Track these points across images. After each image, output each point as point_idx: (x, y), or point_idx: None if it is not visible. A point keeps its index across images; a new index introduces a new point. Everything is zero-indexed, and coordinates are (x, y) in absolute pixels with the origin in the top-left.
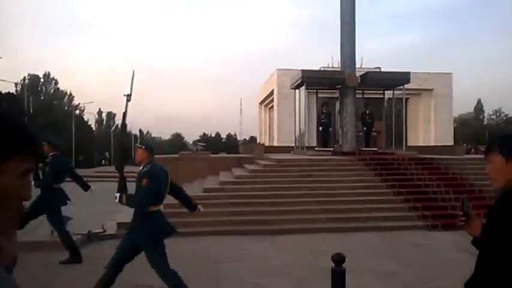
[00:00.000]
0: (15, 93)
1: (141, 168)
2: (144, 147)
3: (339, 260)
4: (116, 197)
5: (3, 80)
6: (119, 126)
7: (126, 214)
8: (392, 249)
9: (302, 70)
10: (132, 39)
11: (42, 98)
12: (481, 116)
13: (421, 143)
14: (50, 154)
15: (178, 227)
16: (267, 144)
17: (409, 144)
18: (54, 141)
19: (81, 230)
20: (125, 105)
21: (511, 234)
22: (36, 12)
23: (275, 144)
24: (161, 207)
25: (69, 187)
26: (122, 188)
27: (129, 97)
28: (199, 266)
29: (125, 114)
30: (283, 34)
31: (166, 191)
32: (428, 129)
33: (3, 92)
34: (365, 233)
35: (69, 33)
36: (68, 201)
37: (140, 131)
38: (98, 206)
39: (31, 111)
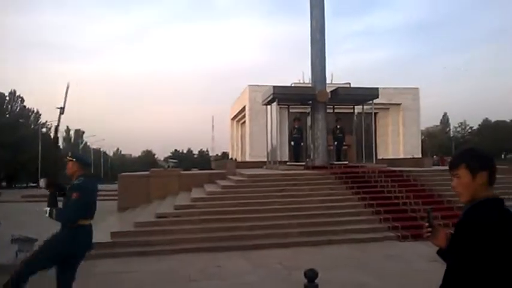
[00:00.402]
0: None
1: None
2: (74, 159)
3: (311, 276)
4: (45, 212)
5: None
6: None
7: (96, 234)
8: (364, 261)
9: (274, 86)
10: (101, 56)
11: (7, 116)
12: (447, 129)
13: (390, 156)
14: None
15: (150, 245)
16: (239, 159)
17: (379, 157)
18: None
19: None
20: (57, 118)
21: (475, 249)
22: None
23: (247, 159)
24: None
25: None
26: (52, 203)
27: (62, 110)
28: (172, 285)
29: (56, 127)
30: (255, 51)
31: (95, 204)
32: (397, 142)
33: None
34: (337, 246)
35: (36, 51)
36: None
37: (73, 143)
38: None
39: None
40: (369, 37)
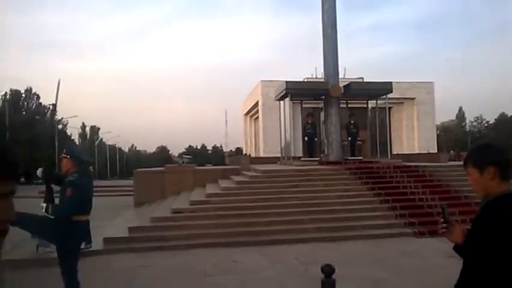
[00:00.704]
0: None
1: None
2: (68, 156)
3: (328, 271)
4: (42, 207)
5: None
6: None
7: (114, 229)
8: (380, 257)
9: (286, 82)
10: (114, 52)
11: (24, 113)
12: (463, 123)
13: (405, 151)
14: None
15: (166, 240)
16: (253, 155)
17: (393, 152)
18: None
19: None
20: (51, 114)
21: (491, 245)
22: (17, 29)
23: (261, 155)
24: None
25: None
26: (49, 199)
27: (54, 106)
28: (188, 280)
29: (52, 122)
30: (267, 46)
31: (91, 200)
32: (411, 137)
33: None
34: (353, 242)
35: (51, 49)
36: None
37: (66, 141)
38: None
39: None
40: (378, 32)
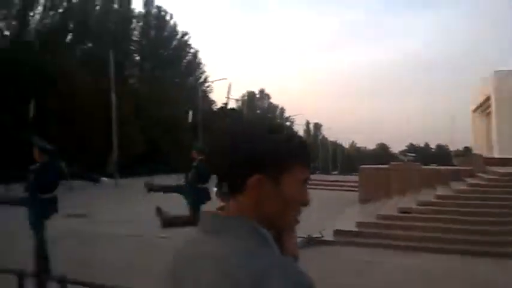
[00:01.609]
0: (236, 108)
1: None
2: (36, 147)
3: None
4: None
5: (228, 97)
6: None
7: (342, 222)
8: None
9: None
10: (334, 52)
11: (258, 111)
12: None
13: None
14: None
15: (392, 239)
16: (485, 155)
17: None
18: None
19: (302, 233)
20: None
21: None
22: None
23: (495, 155)
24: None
25: None
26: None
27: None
28: (422, 284)
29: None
30: (501, 30)
31: (53, 181)
32: None
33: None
34: None
35: (280, 54)
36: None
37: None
38: (317, 213)
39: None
40: None
